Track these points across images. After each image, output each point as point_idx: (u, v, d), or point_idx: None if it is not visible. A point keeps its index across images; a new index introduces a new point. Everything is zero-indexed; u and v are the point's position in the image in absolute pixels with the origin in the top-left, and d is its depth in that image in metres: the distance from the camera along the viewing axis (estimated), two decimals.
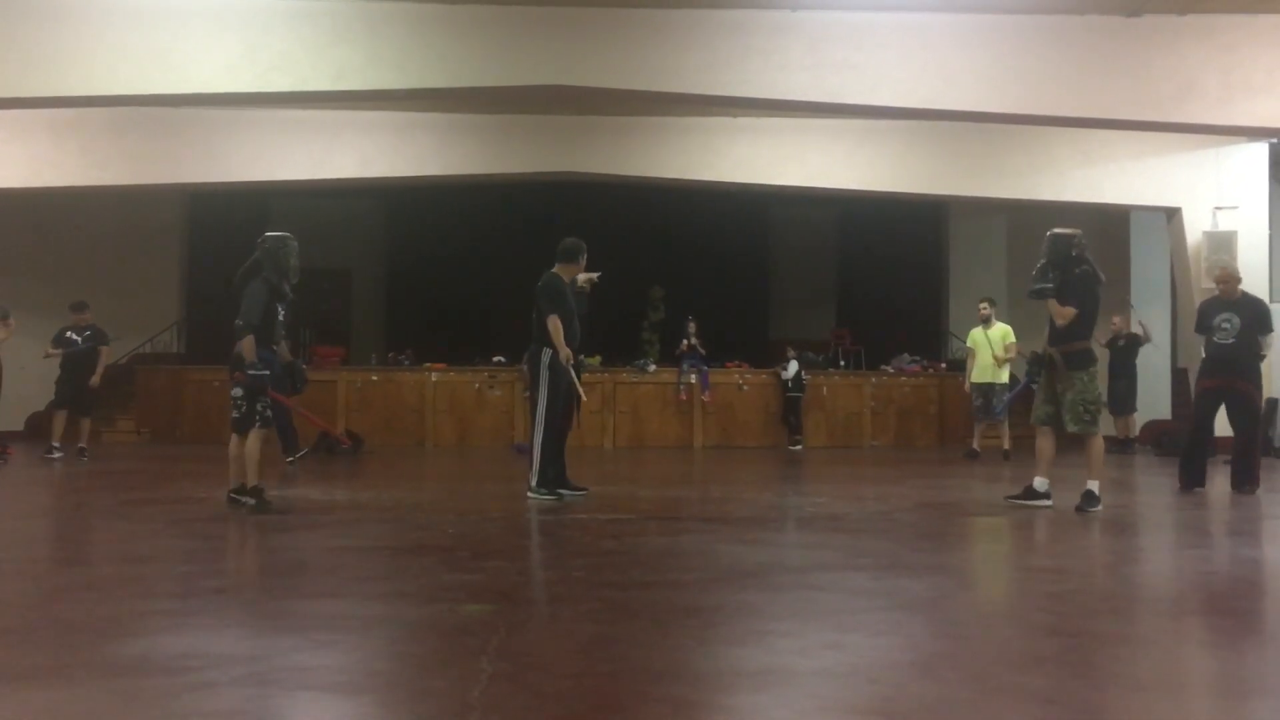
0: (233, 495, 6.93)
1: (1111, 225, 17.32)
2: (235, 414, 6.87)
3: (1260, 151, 14.56)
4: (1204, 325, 9.01)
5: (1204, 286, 13.51)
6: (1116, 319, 14.93)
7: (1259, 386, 8.88)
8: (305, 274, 20.13)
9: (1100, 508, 7.07)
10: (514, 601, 4.27)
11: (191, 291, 18.37)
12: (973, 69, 10.86)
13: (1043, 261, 7.33)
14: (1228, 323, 8.75)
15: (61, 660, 3.23)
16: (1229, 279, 9.12)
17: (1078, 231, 7.43)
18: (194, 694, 2.87)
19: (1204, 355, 9.14)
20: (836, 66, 10.74)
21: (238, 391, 6.79)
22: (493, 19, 10.71)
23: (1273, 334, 9.01)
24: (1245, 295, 9.10)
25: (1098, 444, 7.27)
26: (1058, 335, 7.31)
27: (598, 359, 15.47)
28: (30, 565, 5.17)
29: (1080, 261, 7.33)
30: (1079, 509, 7.05)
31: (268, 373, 6.93)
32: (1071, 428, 7.26)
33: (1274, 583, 5.21)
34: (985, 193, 15.01)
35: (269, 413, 6.98)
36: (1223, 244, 14.31)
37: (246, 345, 6.76)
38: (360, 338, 18.52)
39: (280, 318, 7.09)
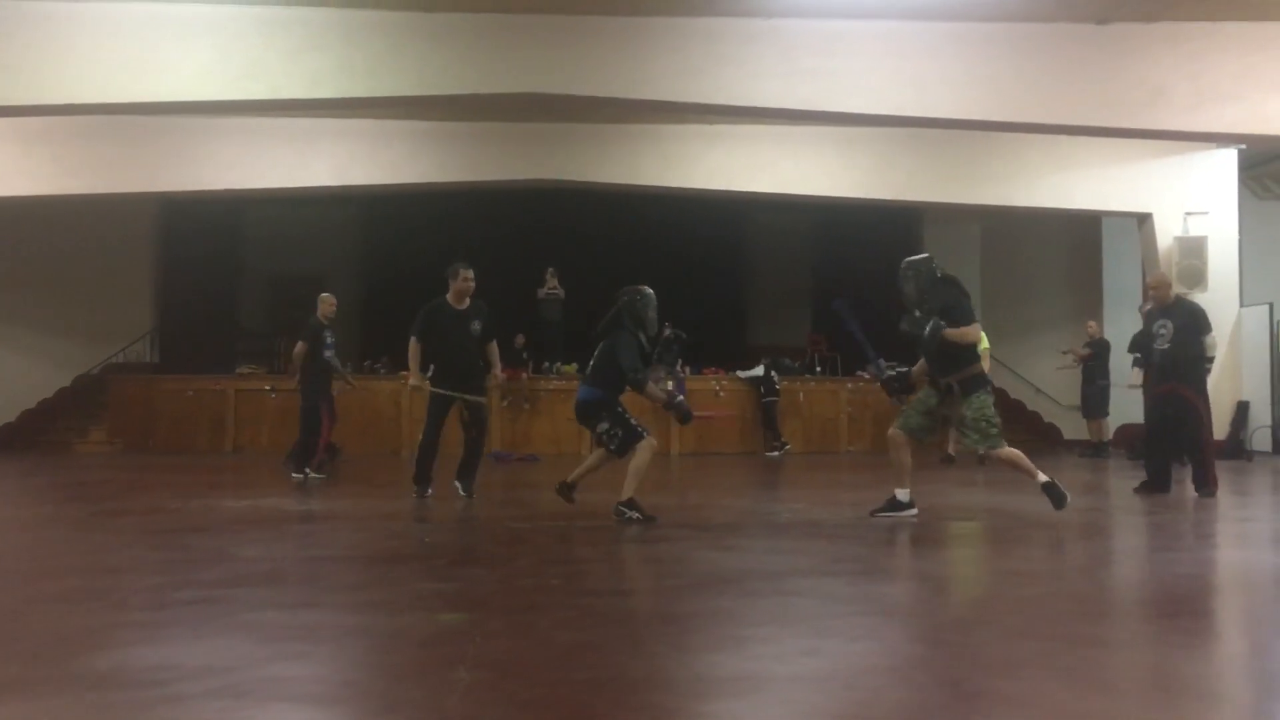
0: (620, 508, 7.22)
1: (1083, 231, 17.50)
2: (614, 442, 7.25)
3: (1229, 157, 14.74)
4: (1146, 333, 9.22)
5: (1175, 291, 13.64)
6: (1091, 324, 15.08)
7: (1200, 390, 8.96)
8: (279, 281, 20.03)
9: (1067, 498, 6.98)
10: (490, 610, 4.25)
11: (165, 300, 18.25)
12: (944, 76, 10.93)
13: (916, 313, 7.13)
14: (1164, 329, 8.88)
15: (32, 673, 3.19)
16: (1161, 285, 9.26)
17: (927, 255, 7.40)
18: (167, 706, 2.85)
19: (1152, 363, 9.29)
20: (809, 74, 10.79)
21: (604, 426, 7.28)
22: (467, 27, 10.71)
23: (1211, 334, 9.12)
24: (1179, 300, 9.31)
25: (1009, 453, 7.03)
26: (950, 362, 7.07)
27: (574, 366, 15.46)
28: (0, 578, 5.12)
29: (949, 283, 7.16)
30: (1056, 506, 6.94)
31: (681, 397, 7.64)
32: (979, 446, 7.07)
33: (1238, 584, 5.26)
34: (959, 199, 15.12)
35: (641, 427, 7.35)
36: (1193, 249, 14.47)
37: (651, 390, 7.28)
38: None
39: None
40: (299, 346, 10.71)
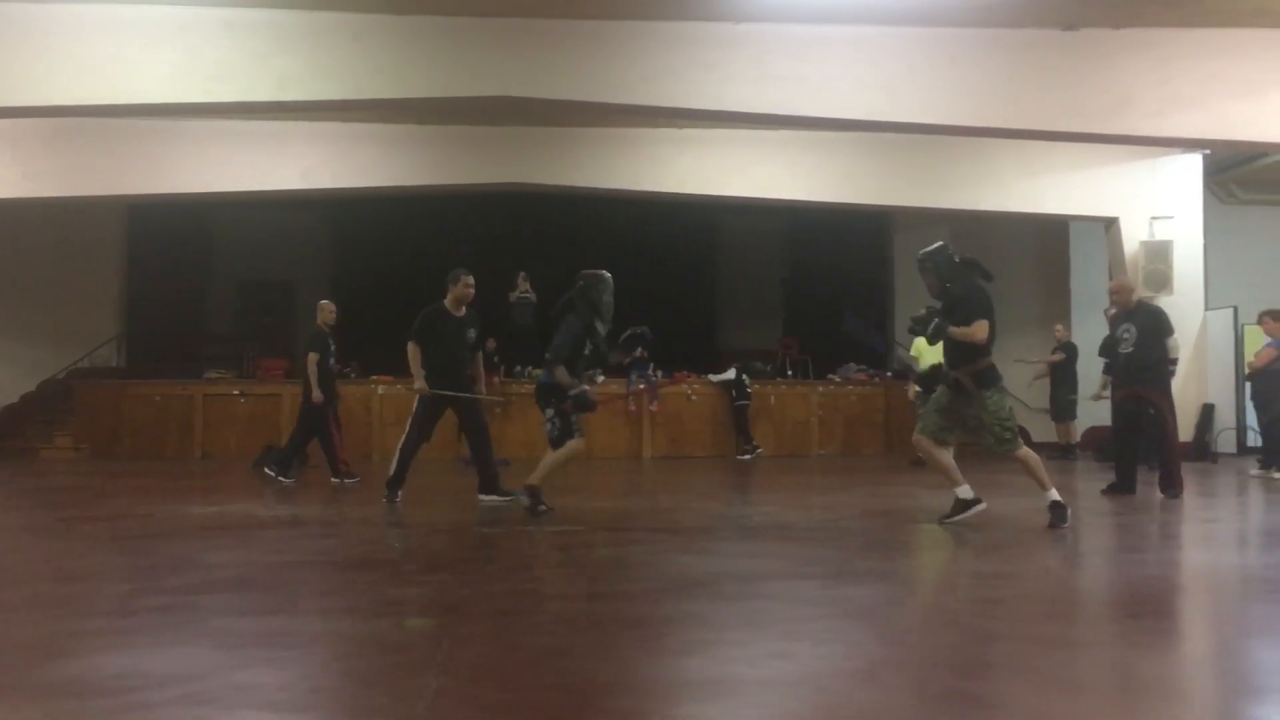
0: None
1: (1051, 235, 17.65)
2: (554, 431, 7.40)
3: (1194, 163, 14.92)
4: (1111, 338, 9.31)
5: (1142, 295, 13.78)
6: (1059, 327, 15.20)
7: (1165, 392, 9.06)
8: (248, 286, 19.87)
9: (1068, 519, 6.70)
10: (461, 615, 4.23)
11: (131, 305, 18.08)
12: (915, 81, 10.99)
13: (923, 310, 7.02)
14: (1127, 333, 9.00)
15: None
16: (1123, 289, 9.38)
17: (941, 243, 7.10)
18: (132, 714, 2.81)
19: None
20: (780, 79, 10.83)
21: (549, 412, 7.40)
22: (437, 29, 10.67)
23: (1174, 336, 9.24)
24: (1140, 304, 9.43)
25: (1029, 456, 6.81)
26: (961, 355, 6.90)
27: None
28: None
29: (970, 266, 6.96)
30: (1052, 525, 6.64)
31: (587, 388, 7.44)
32: (995, 449, 6.85)
33: (1203, 585, 5.32)
34: (929, 203, 15.21)
35: (580, 427, 7.51)
36: (1159, 253, 14.63)
37: (559, 375, 7.27)
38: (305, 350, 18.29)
39: (587, 352, 7.53)
40: (311, 357, 10.73)
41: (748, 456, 15.00)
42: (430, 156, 14.63)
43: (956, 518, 6.93)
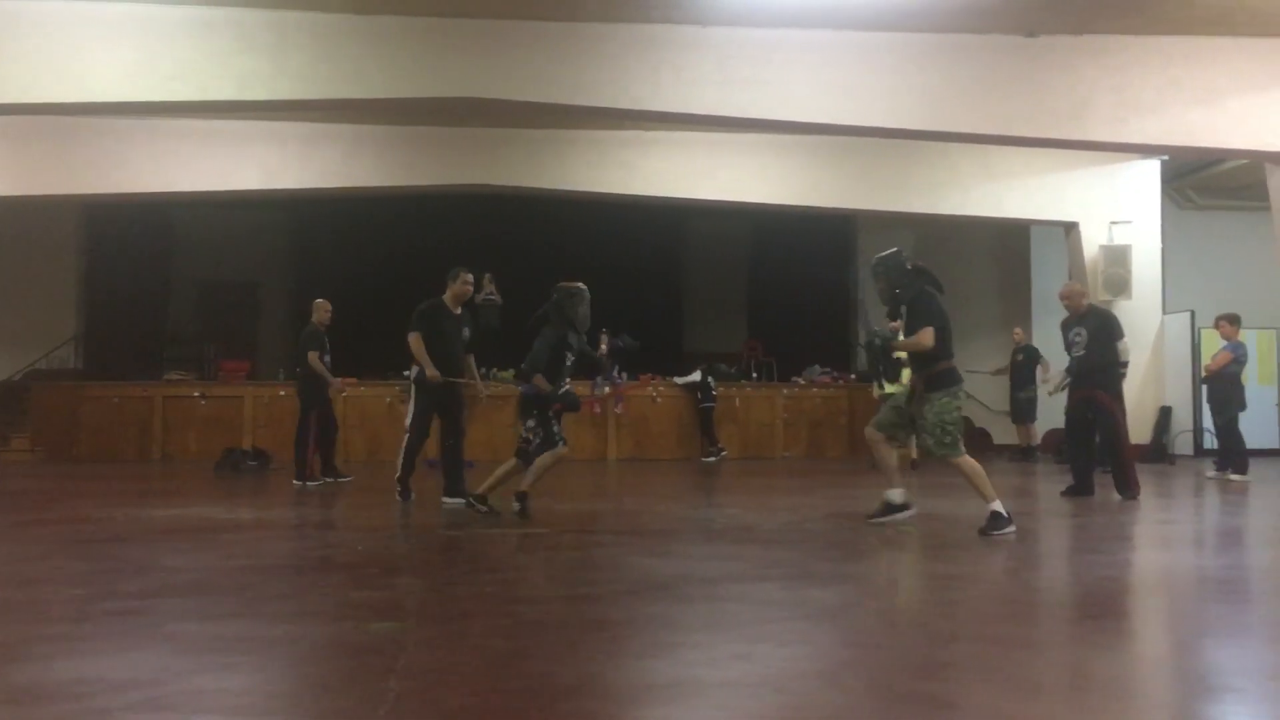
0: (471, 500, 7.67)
1: (1013, 239, 17.83)
2: (535, 440, 7.46)
3: (1152, 168, 15.13)
4: (1064, 343, 9.43)
5: (1102, 298, 13.97)
6: (1018, 331, 15.34)
7: (1116, 394, 9.21)
8: (210, 287, 19.63)
9: (1012, 529, 6.51)
10: (423, 619, 4.22)
11: (90, 305, 17.84)
12: (878, 86, 11.07)
13: (876, 342, 7.09)
14: (1079, 336, 9.14)
15: None
16: (1073, 294, 9.52)
17: (895, 249, 7.13)
18: None
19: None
20: (745, 82, 10.87)
21: (530, 424, 7.48)
22: (402, 30, 10.63)
23: (1124, 339, 9.39)
24: (1092, 307, 9.60)
25: (969, 464, 6.66)
26: (918, 359, 6.89)
27: (511, 373, 15.37)
28: None
29: (920, 273, 6.94)
30: (983, 532, 6.47)
31: (570, 388, 7.60)
32: (934, 451, 6.76)
33: (1159, 585, 5.39)
34: (892, 207, 15.32)
35: (562, 435, 7.60)
36: (1118, 257, 14.82)
37: (539, 381, 7.34)
38: (268, 352, 18.14)
39: (568, 363, 7.58)
40: (312, 356, 10.62)
41: (712, 459, 15.04)
42: (395, 158, 14.56)
43: (882, 519, 7.00)
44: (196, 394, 15.30)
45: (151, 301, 18.13)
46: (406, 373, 8.80)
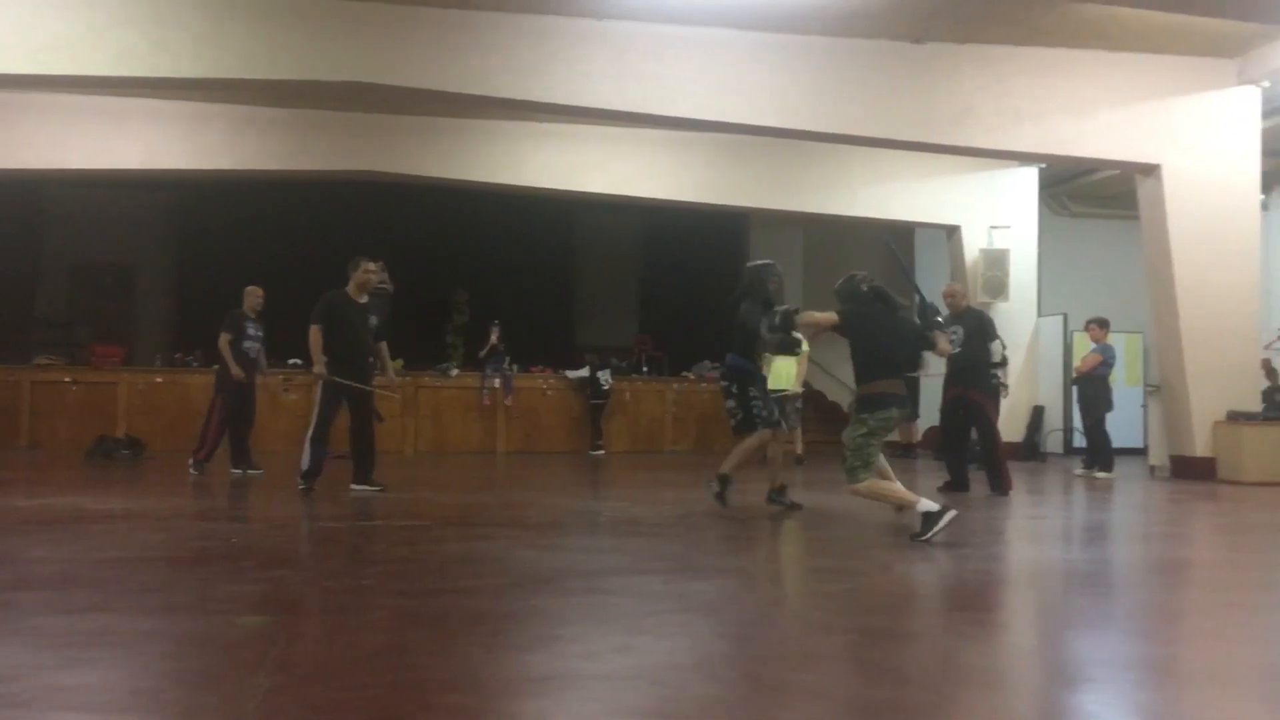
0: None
1: (899, 241, 18.21)
2: (734, 420, 7.66)
3: (1031, 175, 15.63)
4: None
5: (980, 300, 14.39)
6: None
7: (989, 392, 9.56)
8: (84, 268, 18.85)
9: (948, 516, 6.06)
10: (297, 613, 4.14)
11: None
12: (770, 85, 11.20)
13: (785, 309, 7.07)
14: (955, 334, 9.41)
15: None
16: (954, 294, 9.86)
17: (850, 274, 6.96)
18: None
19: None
20: (639, 77, 10.90)
21: (731, 404, 7.67)
22: (291, 9, 10.37)
23: (997, 340, 9.75)
24: (969, 308, 10.00)
25: (865, 490, 6.34)
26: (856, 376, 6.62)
27: (400, 363, 15.17)
28: None
29: (855, 296, 6.74)
30: (915, 538, 6.06)
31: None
32: (844, 475, 6.44)
33: (1026, 578, 5.59)
34: (783, 206, 15.52)
35: (765, 412, 7.64)
36: (997, 261, 15.28)
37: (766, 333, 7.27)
38: (145, 337, 17.52)
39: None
40: (222, 340, 10.36)
41: (601, 452, 15.10)
42: (282, 141, 14.19)
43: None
44: (67, 379, 14.72)
45: (19, 283, 17.32)
46: (295, 361, 8.69)
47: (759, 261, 7.87)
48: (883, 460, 6.90)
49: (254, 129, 13.93)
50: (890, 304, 6.84)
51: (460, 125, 14.28)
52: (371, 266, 8.53)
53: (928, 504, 6.13)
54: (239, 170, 14.33)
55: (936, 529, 6.01)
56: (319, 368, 8.19)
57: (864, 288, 6.78)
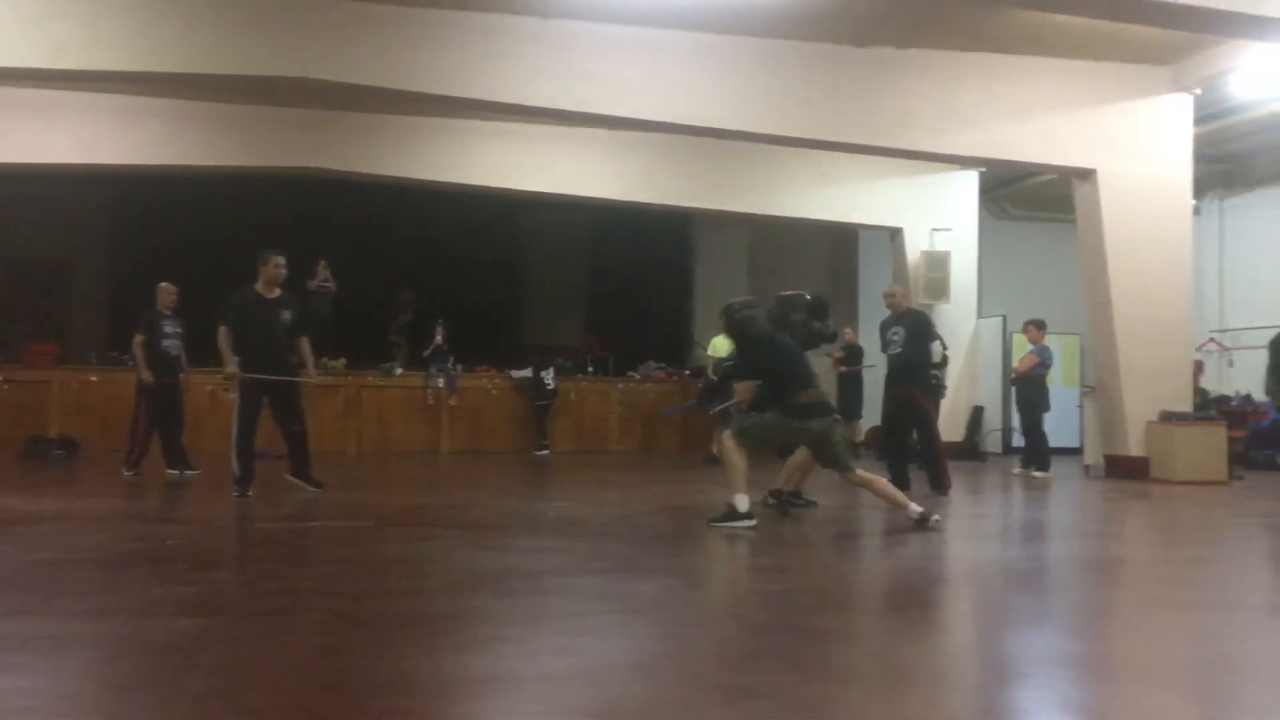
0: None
1: (842, 242, 18.39)
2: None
3: (971, 179, 15.84)
4: (881, 341, 9.86)
5: (922, 301, 14.55)
6: (847, 331, 15.84)
7: (929, 392, 9.69)
8: (17, 264, 18.42)
9: (746, 523, 6.55)
10: (232, 615, 4.08)
11: None
12: (714, 86, 11.24)
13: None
14: (896, 335, 9.58)
15: None
16: (895, 295, 9.98)
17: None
18: None
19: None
20: (584, 76, 10.87)
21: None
22: (232, 3, 10.21)
23: (937, 341, 9.90)
24: (910, 310, 10.03)
25: (727, 451, 6.88)
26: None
27: (342, 362, 15.03)
28: None
29: (784, 312, 7.45)
30: (713, 521, 6.72)
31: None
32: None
33: (964, 577, 5.67)
34: (728, 206, 15.58)
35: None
36: (938, 263, 15.46)
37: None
38: (80, 335, 17.14)
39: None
40: (136, 339, 10.20)
41: (546, 452, 15.06)
42: (223, 136, 13.97)
43: (927, 523, 6.77)
44: None
45: None
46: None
47: (787, 293, 7.84)
48: (803, 454, 7.44)
49: (193, 124, 13.70)
50: (784, 320, 7.34)
51: (406, 123, 14.15)
52: (280, 260, 8.34)
53: (743, 500, 6.61)
54: (177, 165, 14.10)
55: (730, 525, 6.52)
56: (231, 367, 8.11)
57: (759, 319, 7.14)
